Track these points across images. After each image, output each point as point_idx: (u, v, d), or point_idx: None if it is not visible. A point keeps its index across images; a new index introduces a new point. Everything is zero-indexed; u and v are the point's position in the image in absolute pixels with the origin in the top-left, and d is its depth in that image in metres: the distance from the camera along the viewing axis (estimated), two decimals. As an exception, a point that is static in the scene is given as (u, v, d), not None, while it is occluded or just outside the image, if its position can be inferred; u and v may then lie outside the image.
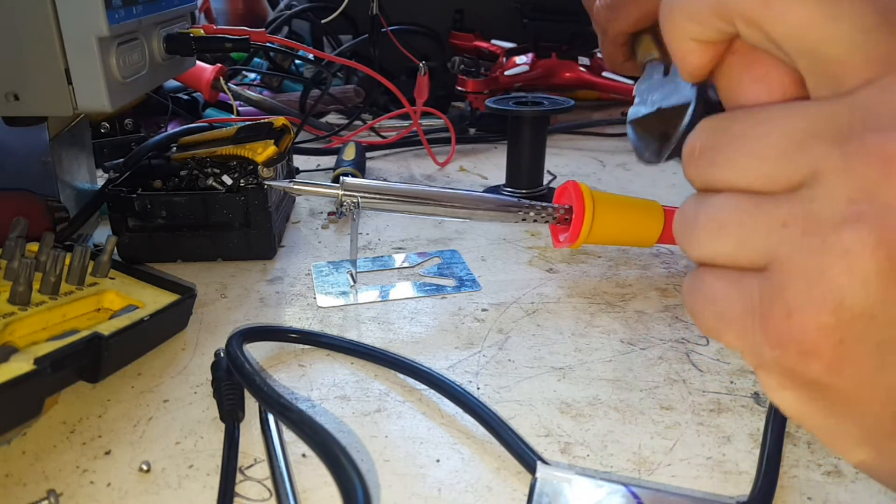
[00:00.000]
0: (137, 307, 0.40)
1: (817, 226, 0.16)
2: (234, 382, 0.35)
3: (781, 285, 0.17)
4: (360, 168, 0.68)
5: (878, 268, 0.15)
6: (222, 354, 0.37)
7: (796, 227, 0.17)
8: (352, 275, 0.49)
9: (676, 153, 0.24)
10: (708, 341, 0.42)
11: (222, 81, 0.79)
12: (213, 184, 0.52)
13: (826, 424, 0.18)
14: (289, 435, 0.34)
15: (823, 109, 0.17)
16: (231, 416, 0.34)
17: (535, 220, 0.48)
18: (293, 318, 0.45)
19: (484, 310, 0.46)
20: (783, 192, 0.18)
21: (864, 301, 0.16)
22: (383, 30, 0.83)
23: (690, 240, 0.20)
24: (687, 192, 0.20)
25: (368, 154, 0.79)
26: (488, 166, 0.77)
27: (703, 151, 0.19)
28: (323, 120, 0.91)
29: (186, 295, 0.42)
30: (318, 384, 0.38)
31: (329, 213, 0.62)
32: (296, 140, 0.75)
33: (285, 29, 1.02)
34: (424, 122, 0.83)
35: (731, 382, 0.38)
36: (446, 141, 0.79)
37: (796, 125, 0.17)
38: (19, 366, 0.31)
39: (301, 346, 0.41)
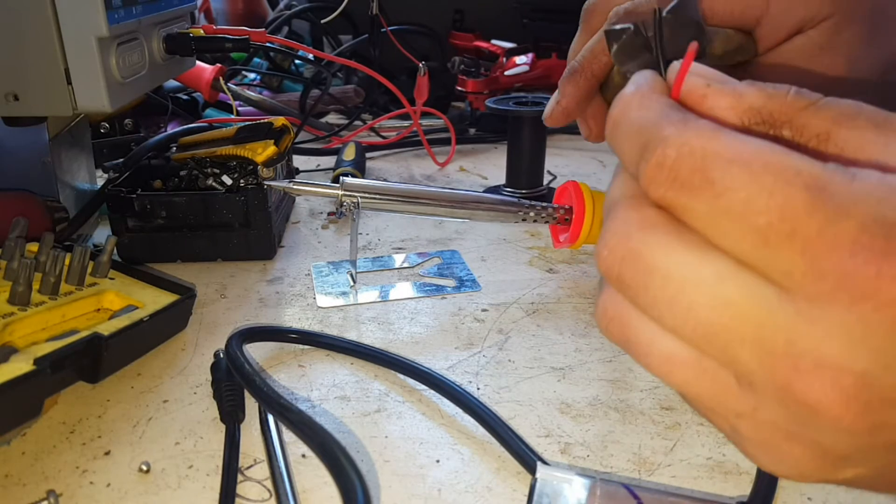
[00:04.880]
0: (137, 307, 0.40)
1: (767, 431, 0.18)
2: (233, 383, 0.35)
3: (749, 450, 0.19)
4: (360, 168, 0.68)
5: (828, 465, 0.18)
6: (222, 355, 0.37)
7: (748, 422, 0.19)
8: (352, 275, 0.49)
9: None
10: (708, 341, 0.42)
11: (222, 81, 0.79)
12: (213, 184, 0.52)
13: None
14: (289, 435, 0.34)
15: (753, 308, 0.17)
16: (231, 416, 0.34)
17: (535, 221, 0.48)
18: (293, 318, 0.45)
19: (484, 310, 0.46)
20: (721, 365, 0.18)
21: (823, 476, 0.19)
22: (383, 30, 0.83)
23: (641, 363, 0.20)
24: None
25: (368, 154, 0.79)
26: (488, 166, 0.77)
27: (614, 262, 0.19)
28: (323, 120, 0.91)
29: (186, 295, 0.42)
30: (317, 384, 0.38)
31: (329, 214, 0.62)
32: (296, 140, 0.75)
33: (285, 29, 1.02)
34: (424, 122, 0.83)
35: (732, 383, 0.38)
36: (446, 141, 0.79)
37: (725, 306, 0.17)
38: (19, 366, 0.31)
39: (301, 346, 0.41)
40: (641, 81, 0.20)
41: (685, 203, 0.17)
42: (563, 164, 0.78)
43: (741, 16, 0.34)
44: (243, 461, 0.32)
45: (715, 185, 0.16)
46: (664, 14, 0.22)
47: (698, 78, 0.19)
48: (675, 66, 0.20)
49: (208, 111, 0.85)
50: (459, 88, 0.91)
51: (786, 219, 0.16)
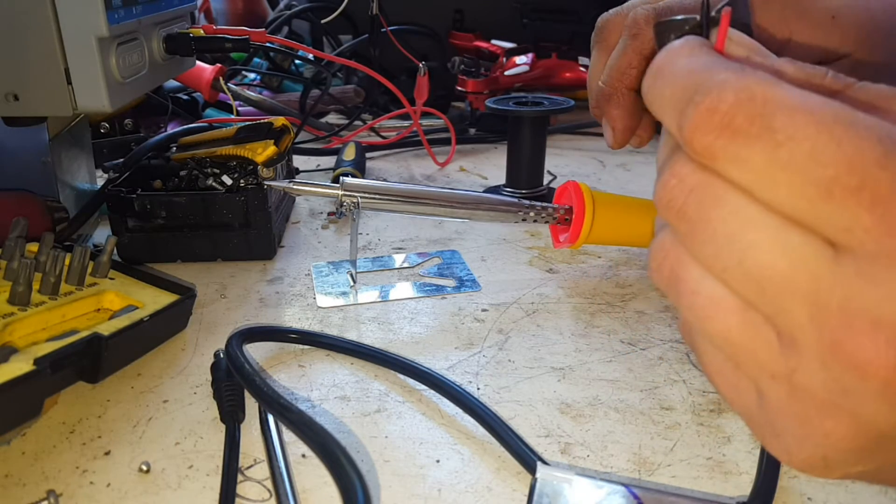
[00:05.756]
0: (137, 307, 0.40)
1: (801, 399, 0.17)
2: (233, 383, 0.35)
3: (776, 423, 0.18)
4: (360, 168, 0.68)
5: (856, 445, 0.17)
6: (222, 355, 0.37)
7: (783, 387, 0.18)
8: (352, 275, 0.49)
9: None
10: (708, 341, 0.42)
11: (222, 81, 0.79)
12: (213, 184, 0.52)
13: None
14: (289, 435, 0.34)
15: (808, 263, 0.16)
16: (231, 417, 0.34)
17: (535, 221, 0.48)
18: (293, 318, 0.45)
19: (484, 310, 0.46)
20: (766, 318, 0.17)
21: (845, 457, 0.18)
22: (383, 30, 0.83)
23: (680, 305, 0.19)
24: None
25: (368, 154, 0.79)
26: (488, 166, 0.77)
27: (672, 206, 0.18)
28: (323, 120, 0.91)
29: (186, 295, 0.42)
30: (317, 384, 0.38)
31: (329, 214, 0.62)
32: (296, 140, 0.75)
33: (285, 29, 1.02)
34: (424, 122, 0.83)
35: (732, 383, 0.38)
36: (446, 141, 0.79)
37: (782, 256, 0.16)
38: (19, 366, 0.31)
39: (301, 346, 0.41)
40: (689, 37, 0.19)
41: (737, 153, 0.16)
42: (563, 164, 0.78)
43: (764, 43, 0.34)
44: (243, 461, 0.32)
45: (777, 134, 0.15)
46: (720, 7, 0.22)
47: (739, 47, 0.19)
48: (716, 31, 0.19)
49: (208, 111, 0.85)
50: (459, 88, 0.91)
51: (854, 171, 0.15)
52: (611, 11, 0.42)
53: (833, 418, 0.17)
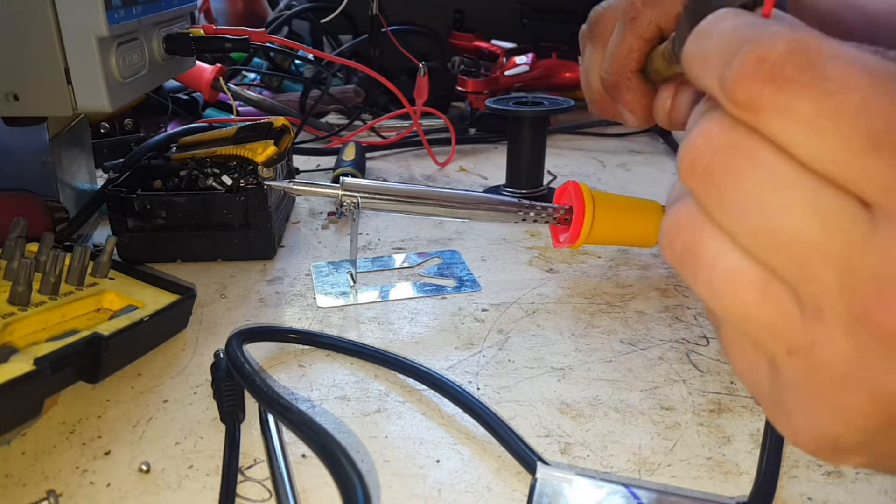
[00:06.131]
0: (137, 307, 0.40)
1: (819, 374, 0.17)
2: (233, 383, 0.35)
3: (788, 401, 0.18)
4: (360, 168, 0.68)
5: (872, 424, 0.16)
6: (222, 355, 0.37)
7: (801, 361, 0.17)
8: (352, 275, 0.49)
9: None
10: (708, 341, 0.42)
11: (222, 81, 0.79)
12: (213, 184, 0.52)
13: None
14: (289, 435, 0.34)
15: (842, 226, 0.15)
16: (231, 417, 0.34)
17: (535, 221, 0.48)
18: (293, 318, 0.45)
19: (484, 310, 0.46)
20: (789, 287, 0.17)
21: (858, 439, 0.17)
22: (383, 30, 0.83)
23: (695, 282, 0.18)
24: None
25: (368, 154, 0.79)
26: (488, 166, 0.77)
27: (698, 168, 0.17)
28: (323, 120, 0.91)
29: (186, 295, 0.42)
30: (317, 384, 0.38)
31: (329, 214, 0.62)
32: (296, 140, 0.75)
33: (285, 29, 1.02)
34: (424, 122, 0.83)
35: (732, 383, 0.38)
36: (446, 141, 0.79)
37: (813, 219, 0.16)
38: (19, 366, 0.31)
39: (301, 346, 0.41)
40: (733, 9, 0.18)
41: (784, 103, 0.15)
42: (563, 164, 0.78)
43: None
44: (243, 461, 0.32)
45: (828, 83, 0.15)
46: None
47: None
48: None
49: (208, 111, 0.85)
50: (459, 88, 0.91)
51: None
52: (602, 5, 0.42)
53: (852, 394, 0.16)
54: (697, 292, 0.18)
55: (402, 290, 0.49)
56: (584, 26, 0.43)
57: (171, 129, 0.68)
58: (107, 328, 0.36)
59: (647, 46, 0.37)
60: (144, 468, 0.31)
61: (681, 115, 0.37)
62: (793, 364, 0.17)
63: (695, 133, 0.17)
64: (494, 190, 0.66)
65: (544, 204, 0.48)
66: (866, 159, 0.15)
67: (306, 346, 0.41)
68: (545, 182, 0.65)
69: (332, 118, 0.95)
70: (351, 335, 0.42)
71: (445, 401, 0.36)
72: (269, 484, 0.31)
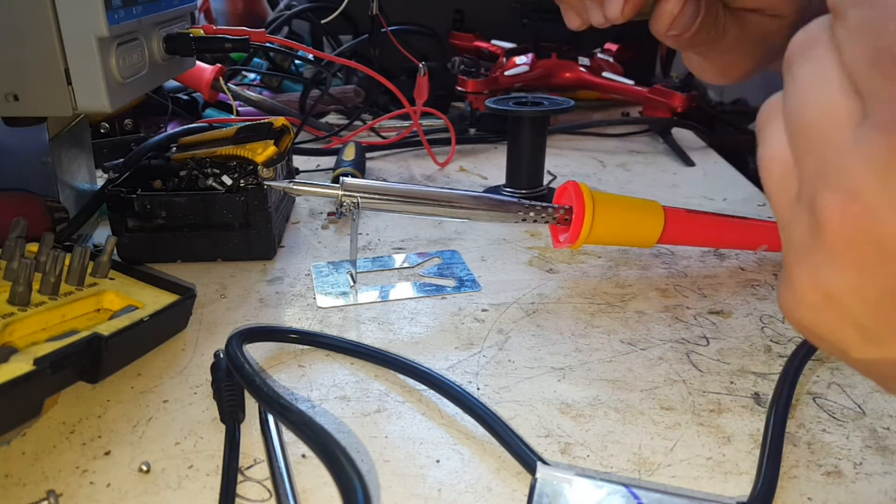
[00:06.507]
0: (137, 307, 0.40)
1: (793, 252, 0.20)
2: (233, 383, 0.35)
3: (787, 259, 0.20)
4: (359, 168, 0.68)
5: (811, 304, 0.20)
6: (222, 355, 0.37)
7: (792, 234, 0.20)
8: (352, 275, 0.49)
9: None
10: (708, 342, 0.42)
11: (222, 81, 0.79)
12: (213, 184, 0.52)
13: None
14: (289, 435, 0.34)
15: (843, 126, 0.18)
16: (231, 417, 0.34)
17: (535, 221, 0.48)
18: (293, 318, 0.45)
19: (484, 310, 0.46)
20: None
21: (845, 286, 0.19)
22: (383, 30, 0.83)
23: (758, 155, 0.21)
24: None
25: (368, 154, 0.79)
26: (488, 166, 0.77)
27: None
28: (323, 120, 0.91)
29: (186, 295, 0.42)
30: (317, 385, 0.38)
31: (329, 214, 0.62)
32: (296, 140, 0.75)
33: (285, 29, 1.02)
34: (424, 122, 0.83)
35: (732, 383, 0.38)
36: (446, 141, 0.79)
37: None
38: (19, 366, 0.31)
39: (301, 346, 0.41)
40: None
41: (845, 8, 0.18)
42: (563, 164, 0.78)
43: None
44: (243, 461, 0.32)
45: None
46: None
47: None
48: None
49: (208, 111, 0.85)
50: (459, 88, 0.91)
51: None
52: None
53: (800, 268, 0.19)
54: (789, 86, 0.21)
55: (402, 290, 0.49)
56: None
57: (171, 129, 0.68)
58: (107, 328, 0.36)
59: None
60: (144, 468, 0.31)
61: (685, 20, 0.38)
62: (790, 231, 0.20)
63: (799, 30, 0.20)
64: (494, 190, 0.66)
65: (544, 204, 0.48)
66: (869, 71, 0.17)
67: (306, 346, 0.41)
68: (545, 182, 0.65)
69: (332, 118, 0.95)
70: (351, 335, 0.42)
71: (445, 401, 0.36)
72: (269, 484, 0.31)
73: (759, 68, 0.43)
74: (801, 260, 0.19)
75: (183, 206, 0.50)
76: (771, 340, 0.42)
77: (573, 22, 0.44)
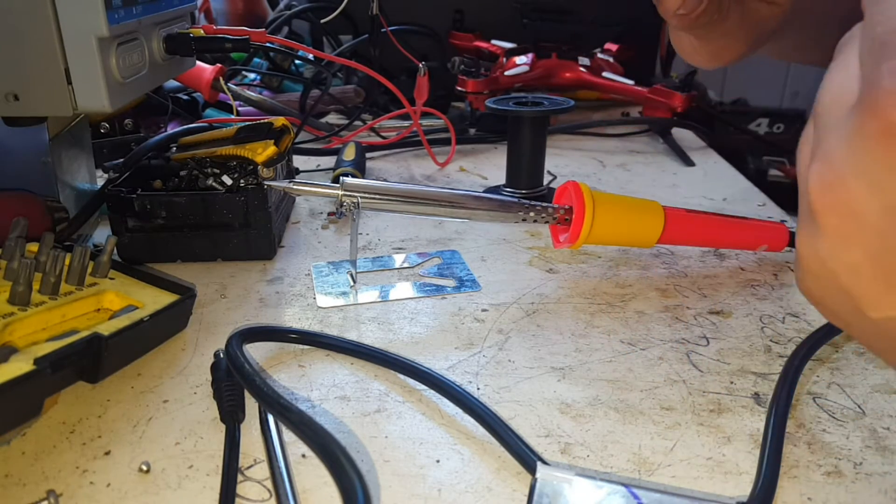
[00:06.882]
0: (137, 307, 0.40)
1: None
2: (233, 383, 0.35)
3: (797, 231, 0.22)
4: (360, 168, 0.68)
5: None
6: (222, 355, 0.37)
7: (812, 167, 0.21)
8: (352, 275, 0.49)
9: None
10: (708, 342, 0.42)
11: (222, 81, 0.79)
12: (213, 184, 0.52)
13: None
14: (289, 435, 0.34)
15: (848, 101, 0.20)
16: (231, 417, 0.34)
17: (535, 221, 0.48)
18: (293, 318, 0.45)
19: (484, 310, 0.46)
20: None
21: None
22: (383, 30, 0.83)
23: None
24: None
25: (368, 154, 0.79)
26: (488, 166, 0.77)
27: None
28: (323, 120, 0.91)
29: (186, 295, 0.42)
30: (317, 384, 0.38)
31: (329, 214, 0.62)
32: (296, 140, 0.75)
33: (285, 29, 1.02)
34: (424, 122, 0.83)
35: (732, 383, 0.38)
36: (446, 141, 0.79)
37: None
38: (19, 366, 0.31)
39: (301, 346, 0.41)
40: None
41: None
42: (563, 164, 0.78)
43: None
44: (243, 461, 0.32)
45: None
46: None
47: None
48: None
49: (208, 111, 0.85)
50: (459, 88, 0.91)
51: None
52: None
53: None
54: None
55: (402, 290, 0.49)
56: None
57: (171, 129, 0.68)
58: (107, 328, 0.36)
59: None
60: (144, 468, 0.31)
61: None
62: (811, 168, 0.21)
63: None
64: (494, 190, 0.66)
65: (544, 204, 0.48)
66: (867, 57, 0.19)
67: (306, 346, 0.41)
68: (545, 182, 0.65)
69: (332, 118, 0.95)
70: (351, 335, 0.42)
71: (445, 401, 0.36)
72: (269, 484, 0.31)
73: (749, 52, 0.44)
74: (801, 229, 0.21)
75: (183, 206, 0.50)
76: (771, 340, 0.42)
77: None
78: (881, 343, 0.22)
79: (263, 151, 0.50)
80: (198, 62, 0.75)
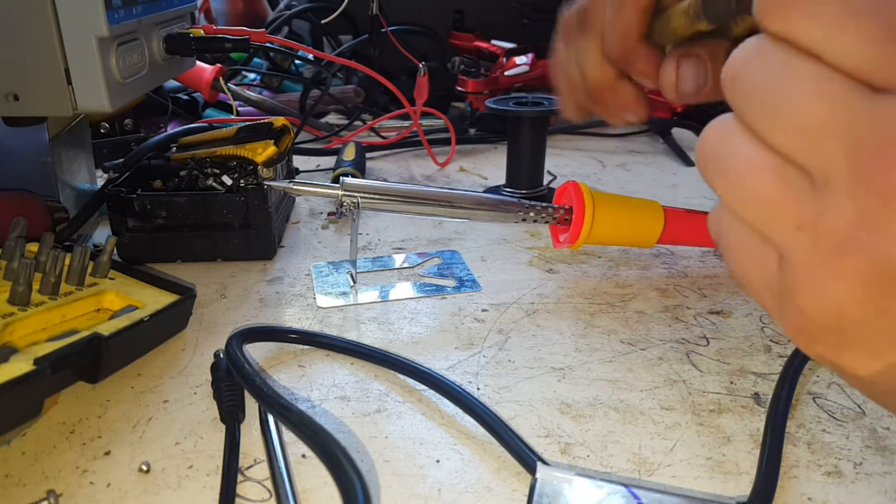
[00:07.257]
0: (137, 307, 0.40)
1: (823, 242, 0.18)
2: (233, 383, 0.35)
3: (793, 282, 0.19)
4: (360, 168, 0.68)
5: (870, 294, 0.18)
6: (222, 355, 0.37)
7: (807, 233, 0.18)
8: (352, 275, 0.49)
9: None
10: (708, 342, 0.42)
11: (222, 82, 0.79)
12: (213, 184, 0.52)
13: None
14: (289, 435, 0.34)
15: (847, 101, 0.17)
16: (231, 417, 0.34)
17: (535, 221, 0.48)
18: (293, 318, 0.45)
19: (484, 310, 0.46)
20: (802, 170, 0.18)
21: (859, 311, 0.18)
22: (383, 30, 0.83)
23: (717, 178, 0.20)
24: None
25: (368, 154, 0.79)
26: (488, 166, 0.77)
27: (735, 79, 0.19)
28: (323, 120, 0.91)
29: (186, 295, 0.42)
30: (317, 385, 0.38)
31: (329, 214, 0.62)
32: (296, 140, 0.75)
33: (285, 29, 1.02)
34: (424, 122, 0.83)
35: (731, 383, 0.38)
36: (446, 141, 0.79)
37: (823, 102, 0.18)
38: (19, 366, 0.31)
39: (301, 346, 0.41)
40: None
41: (812, 8, 0.18)
42: (563, 164, 0.78)
43: None
44: (243, 461, 0.32)
45: None
46: None
47: None
48: None
49: (208, 111, 0.85)
50: (459, 88, 0.91)
51: None
52: None
53: (853, 255, 0.17)
54: (718, 190, 0.20)
55: (402, 290, 0.49)
56: (567, 14, 0.42)
57: (171, 129, 0.68)
58: (107, 328, 0.36)
59: (647, 14, 0.37)
60: (144, 468, 0.31)
61: (688, 85, 0.37)
62: (800, 240, 0.18)
63: (732, 55, 0.20)
64: (494, 190, 0.66)
65: (544, 204, 0.48)
66: (886, 48, 0.16)
67: (306, 346, 0.41)
68: (545, 182, 0.65)
69: (332, 118, 0.95)
70: (351, 335, 0.42)
71: (445, 401, 0.36)
72: (269, 484, 0.31)
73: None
74: (850, 244, 0.18)
75: (183, 206, 0.50)
76: (771, 340, 0.42)
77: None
78: (874, 392, 0.22)
79: (263, 151, 0.50)
80: (198, 62, 0.75)
